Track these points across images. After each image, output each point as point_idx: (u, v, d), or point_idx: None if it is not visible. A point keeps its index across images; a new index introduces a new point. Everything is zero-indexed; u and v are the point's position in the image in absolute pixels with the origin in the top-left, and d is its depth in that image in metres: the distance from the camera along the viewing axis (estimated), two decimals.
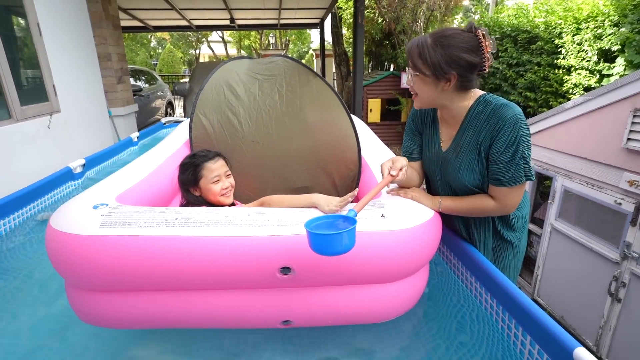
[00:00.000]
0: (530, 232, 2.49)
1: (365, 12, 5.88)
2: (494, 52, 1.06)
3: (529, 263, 2.51)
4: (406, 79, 1.17)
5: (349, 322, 1.17)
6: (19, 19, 3.01)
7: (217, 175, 1.38)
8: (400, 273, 1.10)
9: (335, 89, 10.38)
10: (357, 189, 1.13)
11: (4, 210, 1.78)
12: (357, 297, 1.11)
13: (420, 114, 1.31)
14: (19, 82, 2.89)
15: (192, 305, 1.08)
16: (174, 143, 1.84)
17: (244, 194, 1.75)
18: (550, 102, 3.75)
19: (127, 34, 14.98)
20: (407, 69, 1.16)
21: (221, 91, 1.70)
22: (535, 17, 4.21)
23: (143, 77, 7.61)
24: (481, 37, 1.03)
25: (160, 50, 22.13)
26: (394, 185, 1.26)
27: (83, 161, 2.47)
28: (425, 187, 1.41)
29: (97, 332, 1.26)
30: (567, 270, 2.16)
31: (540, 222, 2.44)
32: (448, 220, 1.36)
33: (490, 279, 1.15)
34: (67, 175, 2.32)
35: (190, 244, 0.97)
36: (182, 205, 1.43)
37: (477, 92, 1.15)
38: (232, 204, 1.47)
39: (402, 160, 1.13)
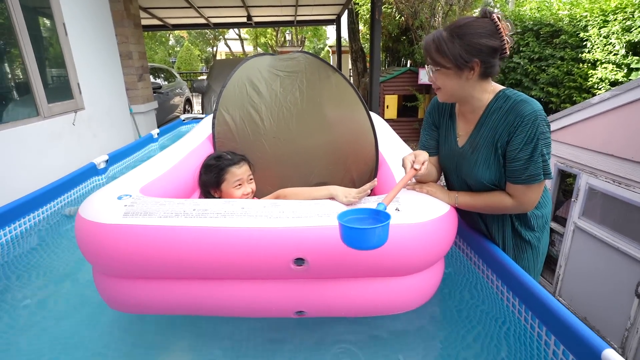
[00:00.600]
0: (552, 230, 2.43)
1: (382, 7, 5.82)
2: (512, 33, 1.04)
3: (551, 262, 2.45)
4: (427, 76, 1.15)
5: (362, 314, 1.18)
6: (46, 19, 3.11)
7: (239, 180, 1.38)
8: (414, 266, 1.10)
9: None
10: (375, 179, 1.13)
11: (32, 205, 1.85)
12: (370, 290, 1.12)
13: (437, 108, 1.30)
14: (46, 80, 2.99)
15: (208, 293, 1.12)
16: (197, 138, 1.88)
17: (265, 189, 1.78)
18: (574, 98, 3.63)
19: (146, 33, 15.27)
20: (426, 66, 1.14)
21: (243, 88, 1.72)
22: (559, 9, 4.08)
23: (162, 75, 7.76)
24: (497, 20, 1.02)
25: (178, 49, 22.48)
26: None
27: (106, 157, 2.54)
28: (444, 182, 1.40)
29: (125, 321, 1.31)
30: (591, 270, 2.10)
31: (562, 221, 2.38)
32: (469, 216, 1.34)
33: (511, 275, 1.13)
34: (91, 170, 2.40)
35: (206, 234, 1.00)
36: None
37: (497, 87, 1.13)
38: None
39: (424, 154, 1.12)
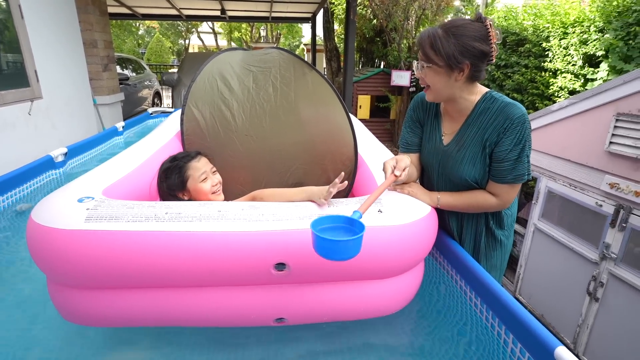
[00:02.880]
0: (514, 231, 2.54)
1: (357, 8, 5.86)
2: (499, 42, 1.08)
3: (512, 262, 2.56)
4: (416, 71, 1.16)
5: (345, 318, 1.16)
6: None
7: (204, 173, 1.33)
8: (396, 269, 1.10)
9: None
10: (342, 173, 1.12)
11: None
12: (353, 294, 1.11)
13: (422, 105, 1.31)
14: None
15: (182, 302, 1.05)
16: (165, 135, 1.80)
17: (237, 189, 1.72)
18: (537, 104, 3.81)
19: (114, 21, 14.59)
20: (415, 62, 1.15)
21: (214, 83, 1.66)
22: (524, 19, 4.27)
23: (130, 66, 7.44)
24: (489, 26, 1.05)
25: (148, 39, 21.65)
26: None
27: (65, 150, 2.40)
28: (419, 180, 1.42)
29: (80, 331, 1.23)
30: (548, 269, 2.21)
31: (523, 222, 2.49)
32: (439, 216, 1.36)
33: (475, 277, 1.16)
34: (48, 163, 2.25)
35: (181, 239, 0.94)
36: None
37: (483, 89, 1.17)
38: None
39: (406, 160, 1.13)
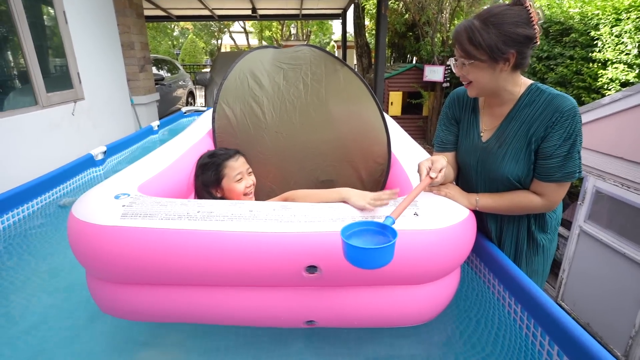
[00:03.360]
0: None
1: (389, 2, 5.73)
2: (542, 21, 0.99)
3: (554, 266, 2.40)
4: (455, 69, 1.09)
5: (376, 324, 1.12)
6: (46, 7, 3.06)
7: (239, 173, 1.34)
8: (432, 275, 1.05)
9: None
10: (397, 189, 1.07)
11: (27, 195, 1.82)
12: (385, 299, 1.07)
13: (458, 101, 1.23)
14: (45, 69, 2.95)
15: (212, 301, 1.06)
16: (197, 133, 1.82)
17: (266, 187, 1.72)
18: (582, 98, 3.56)
19: (150, 23, 15.19)
20: (452, 60, 1.08)
21: (245, 80, 1.66)
22: (570, 7, 3.99)
23: (166, 67, 7.70)
24: (529, 7, 0.96)
25: (182, 40, 22.38)
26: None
27: (104, 148, 2.50)
28: (455, 181, 1.35)
29: (115, 323, 1.27)
30: (595, 275, 2.05)
31: (567, 224, 2.32)
32: (477, 219, 1.28)
33: (515, 283, 1.08)
34: (88, 162, 2.36)
35: (212, 238, 0.94)
36: None
37: (527, 80, 1.09)
38: None
39: (442, 161, 1.06)
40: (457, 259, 1.07)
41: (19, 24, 2.66)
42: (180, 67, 8.71)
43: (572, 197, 2.66)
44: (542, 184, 1.05)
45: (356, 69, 9.56)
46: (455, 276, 1.18)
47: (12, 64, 2.74)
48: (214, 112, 1.68)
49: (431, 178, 1.02)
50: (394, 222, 0.89)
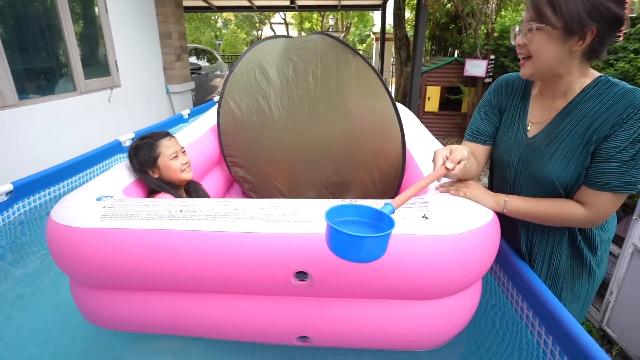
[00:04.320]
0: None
1: None
2: (634, 15, 0.82)
3: (600, 286, 2.15)
4: (516, 38, 0.92)
5: (379, 345, 1.00)
6: None
7: (174, 152, 1.34)
8: (444, 289, 0.92)
9: (393, 74, 9.77)
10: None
11: (55, 177, 1.87)
12: (389, 316, 0.95)
13: (507, 87, 1.06)
14: (85, 57, 3.06)
15: (197, 310, 1.00)
16: (200, 130, 1.77)
17: (273, 186, 1.65)
18: None
19: (195, 14, 15.59)
20: (517, 27, 0.91)
21: (252, 73, 1.59)
22: None
23: (205, 57, 7.86)
24: None
25: (225, 31, 22.85)
26: (445, 179, 1.04)
27: (132, 135, 2.54)
28: (487, 183, 1.19)
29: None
30: None
31: (619, 240, 2.07)
32: (507, 223, 1.10)
33: (545, 309, 0.92)
34: (116, 147, 2.41)
35: (193, 239, 0.88)
36: (148, 196, 1.35)
37: (596, 73, 0.91)
38: (193, 183, 1.43)
39: (463, 151, 0.90)
40: (475, 272, 0.92)
41: (61, 13, 2.76)
42: (219, 57, 8.86)
43: (627, 209, 2.37)
44: (592, 192, 0.88)
45: (394, 62, 9.29)
46: (475, 292, 1.03)
47: (53, 51, 2.85)
48: (219, 107, 1.63)
49: (447, 169, 0.87)
50: (393, 211, 0.75)
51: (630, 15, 0.81)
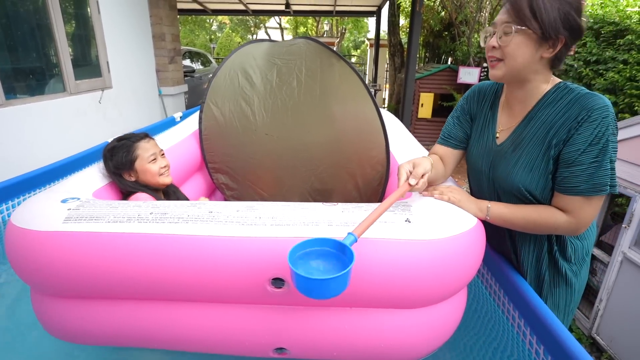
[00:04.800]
0: (594, 257, 2.14)
1: (424, 0, 5.50)
2: (585, 25, 0.86)
3: (589, 293, 2.16)
4: (489, 39, 0.92)
5: (362, 357, 0.95)
6: None
7: (153, 154, 1.29)
8: (429, 297, 0.89)
9: (387, 80, 9.80)
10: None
11: (43, 179, 1.83)
12: (372, 325, 0.91)
13: (478, 96, 1.09)
14: (75, 57, 3.01)
15: (168, 320, 0.94)
16: (181, 135, 1.72)
17: (256, 193, 1.62)
18: (635, 107, 3.22)
19: (189, 17, 15.56)
20: (490, 28, 0.92)
21: (235, 78, 1.56)
22: (627, 6, 3.63)
23: (200, 60, 7.81)
24: (583, 2, 0.83)
25: (219, 35, 22.82)
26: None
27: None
28: (468, 190, 1.19)
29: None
30: (639, 309, 1.82)
31: (608, 248, 2.08)
32: (494, 231, 1.10)
33: (536, 316, 0.92)
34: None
35: (164, 243, 0.83)
36: (122, 199, 1.28)
37: (556, 79, 0.94)
38: (172, 186, 1.39)
39: (425, 165, 0.92)
40: (461, 278, 0.90)
41: (52, 12, 2.72)
42: (213, 61, 8.82)
43: (617, 218, 2.39)
44: (565, 197, 0.88)
45: (388, 69, 9.34)
46: (460, 300, 1.01)
47: (43, 51, 2.80)
48: (200, 112, 1.60)
49: (410, 185, 0.88)
50: (355, 241, 0.74)
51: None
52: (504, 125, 1.01)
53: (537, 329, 0.93)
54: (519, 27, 0.84)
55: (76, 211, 0.90)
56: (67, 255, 0.84)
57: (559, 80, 0.94)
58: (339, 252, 0.75)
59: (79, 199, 0.97)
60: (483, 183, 1.07)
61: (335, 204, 0.95)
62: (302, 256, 0.74)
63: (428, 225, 0.86)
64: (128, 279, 0.85)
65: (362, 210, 0.92)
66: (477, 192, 1.13)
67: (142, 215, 0.88)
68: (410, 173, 0.91)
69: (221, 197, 1.93)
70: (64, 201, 0.95)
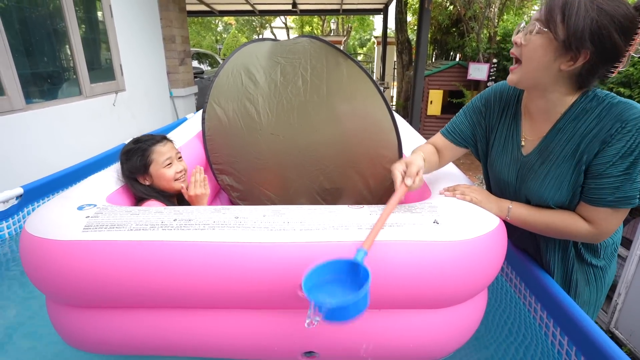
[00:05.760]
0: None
1: None
2: (637, 56, 0.80)
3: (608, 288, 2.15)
4: (517, 35, 0.88)
5: (389, 357, 0.96)
6: (94, 1, 3.18)
7: (168, 158, 1.26)
8: (456, 296, 0.89)
9: (395, 78, 9.77)
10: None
11: (65, 181, 1.87)
12: (400, 326, 0.91)
13: (500, 99, 1.04)
14: (90, 61, 3.07)
15: (193, 327, 0.92)
16: (184, 136, 1.70)
17: (263, 194, 1.60)
18: None
19: (195, 19, 15.67)
20: (522, 23, 0.89)
21: (238, 77, 1.53)
22: None
23: (207, 61, 7.89)
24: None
25: (226, 36, 22.94)
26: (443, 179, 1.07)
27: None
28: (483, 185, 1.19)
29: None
30: None
31: (627, 243, 2.06)
32: (516, 229, 1.09)
33: (562, 309, 0.92)
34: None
35: (190, 251, 0.81)
36: (135, 204, 1.26)
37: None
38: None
39: (418, 161, 0.93)
40: (486, 277, 0.91)
41: (68, 17, 2.78)
42: (220, 61, 8.89)
43: (635, 212, 2.37)
44: (590, 207, 0.86)
45: (396, 66, 9.32)
46: (482, 299, 1.02)
47: (59, 55, 2.86)
48: (203, 112, 1.57)
49: (407, 186, 0.89)
50: (366, 254, 0.75)
51: (633, 54, 0.78)
52: (529, 135, 0.98)
53: (567, 329, 0.92)
54: (543, 27, 0.81)
55: (95, 219, 0.87)
56: (89, 265, 0.82)
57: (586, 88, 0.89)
58: (349, 276, 0.75)
59: (96, 206, 0.95)
60: (508, 192, 1.05)
61: (362, 206, 0.95)
62: (314, 286, 0.73)
63: (455, 226, 0.86)
64: (154, 288, 0.84)
65: (376, 211, 0.91)
66: (500, 197, 1.12)
67: (165, 222, 0.86)
68: (405, 173, 0.91)
69: (226, 199, 1.92)
70: (80, 208, 0.93)
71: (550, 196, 0.92)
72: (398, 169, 0.93)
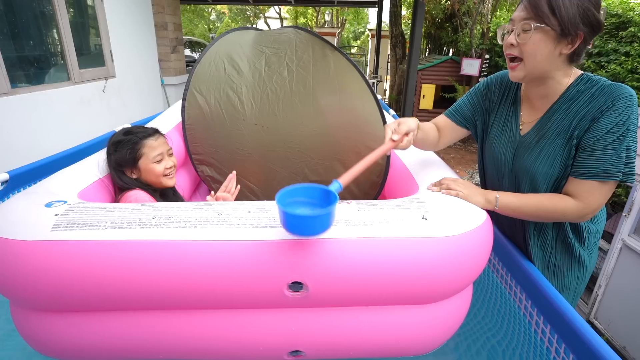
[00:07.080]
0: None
1: None
2: (604, 19, 0.87)
3: (589, 280, 2.21)
4: (508, 37, 0.92)
5: (375, 354, 0.96)
6: None
7: (159, 154, 1.22)
8: (444, 291, 0.90)
9: (388, 71, 9.77)
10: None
11: (52, 167, 1.84)
12: (387, 322, 0.91)
13: (500, 87, 1.10)
14: (79, 46, 3.00)
15: (174, 330, 0.88)
16: (162, 126, 1.62)
17: (246, 186, 1.57)
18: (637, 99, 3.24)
19: (188, 6, 15.38)
20: (507, 25, 0.93)
21: (221, 65, 1.49)
22: None
23: (200, 49, 7.79)
24: None
25: (219, 24, 22.59)
26: (435, 177, 1.08)
27: (129, 126, 2.52)
28: (479, 182, 1.22)
29: None
30: (637, 294, 1.87)
31: (608, 237, 2.13)
32: (502, 219, 1.12)
33: (546, 301, 0.95)
34: None
35: (170, 250, 0.76)
36: (115, 197, 1.21)
37: (578, 71, 0.95)
38: (174, 188, 1.32)
39: (410, 123, 0.99)
40: (473, 272, 0.92)
41: (56, 0, 2.71)
42: None
43: (616, 207, 2.44)
44: (577, 181, 0.91)
45: (389, 60, 9.30)
46: (468, 293, 1.04)
47: (47, 39, 2.80)
48: (183, 100, 1.52)
49: (393, 141, 0.94)
50: (340, 188, 0.81)
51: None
52: (527, 118, 1.03)
53: (549, 317, 0.94)
54: (537, 24, 0.84)
55: (65, 217, 0.80)
56: (59, 268, 0.75)
57: (581, 72, 0.95)
58: (323, 201, 0.80)
59: (66, 202, 0.88)
60: (504, 174, 1.08)
61: (349, 201, 0.94)
62: (291, 203, 0.78)
63: (443, 222, 0.87)
64: (130, 291, 0.78)
65: (377, 208, 0.91)
66: (495, 183, 1.14)
67: (143, 220, 0.80)
68: (395, 131, 0.97)
69: (207, 191, 1.85)
70: (48, 205, 0.86)
71: (543, 172, 0.96)
72: (390, 126, 0.99)
